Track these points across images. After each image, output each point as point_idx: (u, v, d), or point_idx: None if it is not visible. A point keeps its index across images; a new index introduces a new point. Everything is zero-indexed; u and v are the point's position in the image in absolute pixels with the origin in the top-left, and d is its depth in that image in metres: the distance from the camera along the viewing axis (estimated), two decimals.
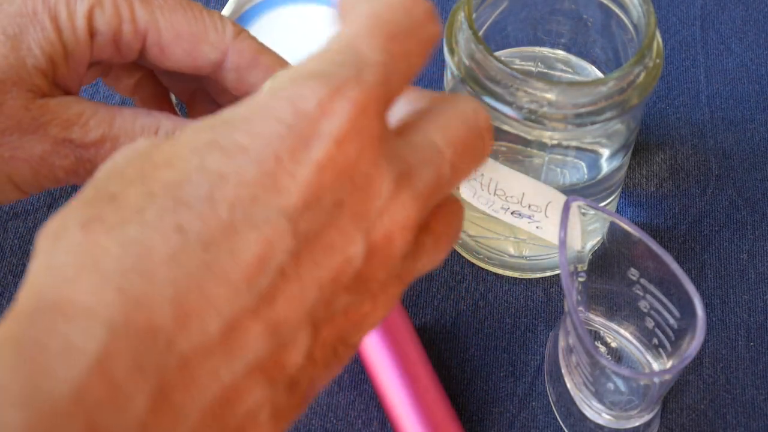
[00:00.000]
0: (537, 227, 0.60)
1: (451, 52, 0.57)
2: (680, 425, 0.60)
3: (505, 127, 0.56)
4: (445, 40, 0.57)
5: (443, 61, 0.57)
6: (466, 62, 0.56)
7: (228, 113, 0.37)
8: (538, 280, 0.65)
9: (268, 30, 0.73)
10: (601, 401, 0.57)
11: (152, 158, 0.36)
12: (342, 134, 0.35)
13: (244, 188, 0.35)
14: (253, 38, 0.55)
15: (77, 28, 0.52)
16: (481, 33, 0.57)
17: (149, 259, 0.34)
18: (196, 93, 0.59)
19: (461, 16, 0.56)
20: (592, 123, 0.55)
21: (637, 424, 0.58)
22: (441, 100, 0.41)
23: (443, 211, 0.40)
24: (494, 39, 0.61)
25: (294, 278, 0.35)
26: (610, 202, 0.63)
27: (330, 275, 0.36)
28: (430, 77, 0.71)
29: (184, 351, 0.33)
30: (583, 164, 0.60)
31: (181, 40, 0.53)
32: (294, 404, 0.37)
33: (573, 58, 0.63)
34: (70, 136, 0.52)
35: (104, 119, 0.53)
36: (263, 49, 0.55)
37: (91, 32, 0.53)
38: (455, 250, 0.66)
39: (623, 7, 0.58)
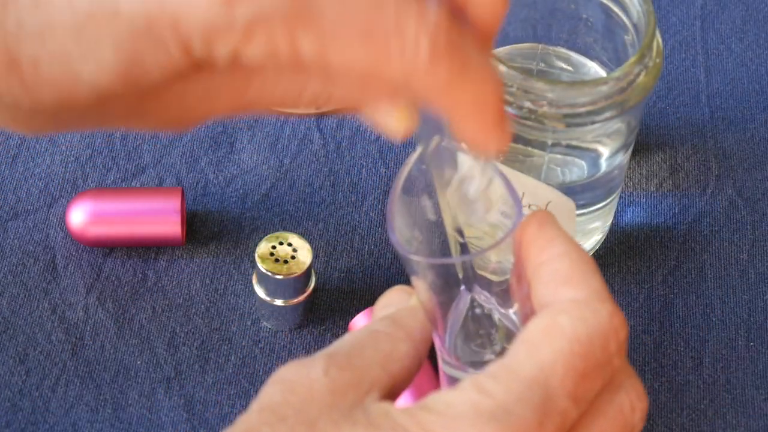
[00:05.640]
0: None
1: None
2: (680, 425, 0.60)
3: None
4: None
5: None
6: None
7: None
8: None
9: None
10: None
11: None
12: None
13: None
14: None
15: None
16: None
17: None
18: None
19: None
20: (592, 122, 0.55)
21: None
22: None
23: None
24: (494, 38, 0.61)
25: None
26: (610, 201, 0.63)
27: None
28: None
29: None
30: (583, 163, 0.60)
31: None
32: None
33: (573, 57, 0.63)
34: None
35: None
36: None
37: None
38: None
39: (623, 7, 0.58)
